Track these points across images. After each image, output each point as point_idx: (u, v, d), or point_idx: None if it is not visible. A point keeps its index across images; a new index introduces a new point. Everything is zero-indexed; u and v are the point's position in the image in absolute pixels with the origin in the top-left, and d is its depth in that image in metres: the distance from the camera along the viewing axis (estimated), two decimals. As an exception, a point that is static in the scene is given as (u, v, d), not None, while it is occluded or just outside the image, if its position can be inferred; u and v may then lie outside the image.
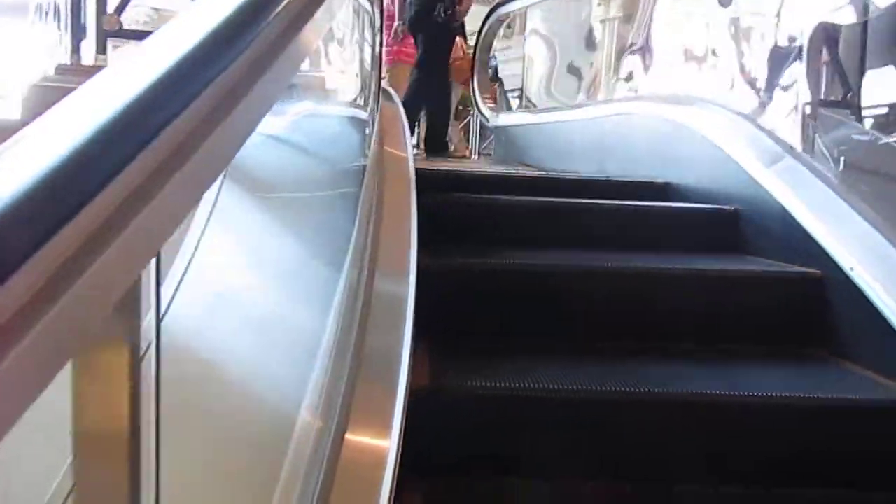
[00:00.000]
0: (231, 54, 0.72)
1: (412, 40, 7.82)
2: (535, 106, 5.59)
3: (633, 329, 2.08)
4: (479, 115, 6.43)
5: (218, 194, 1.02)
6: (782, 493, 1.67)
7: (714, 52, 3.17)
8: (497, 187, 3.02)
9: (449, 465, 1.66)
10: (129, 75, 0.61)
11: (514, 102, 5.97)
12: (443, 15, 6.06)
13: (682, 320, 2.10)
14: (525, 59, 5.75)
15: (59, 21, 5.10)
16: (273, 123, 1.00)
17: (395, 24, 6.59)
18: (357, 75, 1.90)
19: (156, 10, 6.68)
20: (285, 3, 0.87)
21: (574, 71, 5.00)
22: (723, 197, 2.64)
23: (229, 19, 0.74)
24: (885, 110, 2.24)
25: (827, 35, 2.46)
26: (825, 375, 1.93)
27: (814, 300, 2.08)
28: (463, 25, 6.33)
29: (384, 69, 7.83)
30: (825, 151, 2.33)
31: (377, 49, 2.48)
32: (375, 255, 1.69)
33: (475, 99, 6.26)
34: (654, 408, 1.74)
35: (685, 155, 2.99)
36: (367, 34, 2.08)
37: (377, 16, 2.22)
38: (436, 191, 2.38)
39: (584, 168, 3.82)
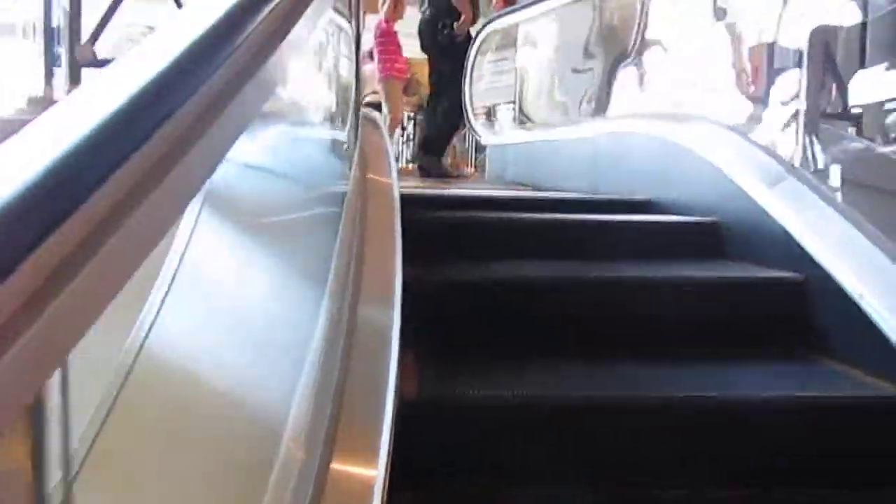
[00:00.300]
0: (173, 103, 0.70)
1: (403, 57, 8.01)
2: (530, 122, 5.67)
3: (622, 335, 2.19)
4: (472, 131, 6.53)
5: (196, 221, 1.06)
6: (778, 494, 1.76)
7: (710, 67, 3.25)
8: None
9: (435, 474, 1.73)
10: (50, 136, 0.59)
11: (509, 115, 6.05)
12: (443, 34, 6.23)
13: (672, 325, 2.22)
14: (517, 73, 5.83)
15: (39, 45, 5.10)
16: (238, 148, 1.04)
17: None
18: (333, 97, 1.96)
19: (151, 28, 6.69)
20: (250, 30, 0.92)
21: (568, 86, 5.08)
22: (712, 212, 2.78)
23: (176, 61, 0.74)
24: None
25: (824, 45, 2.52)
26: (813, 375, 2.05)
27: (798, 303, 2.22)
28: (468, 40, 6.47)
29: (378, 85, 7.98)
30: (823, 165, 2.41)
31: (355, 69, 2.54)
32: (359, 282, 1.73)
33: (468, 116, 6.35)
34: (644, 411, 1.85)
35: (680, 172, 3.09)
36: (344, 54, 2.13)
37: (354, 35, 2.28)
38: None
39: (584, 187, 3.90)
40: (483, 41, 6.17)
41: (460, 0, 6.17)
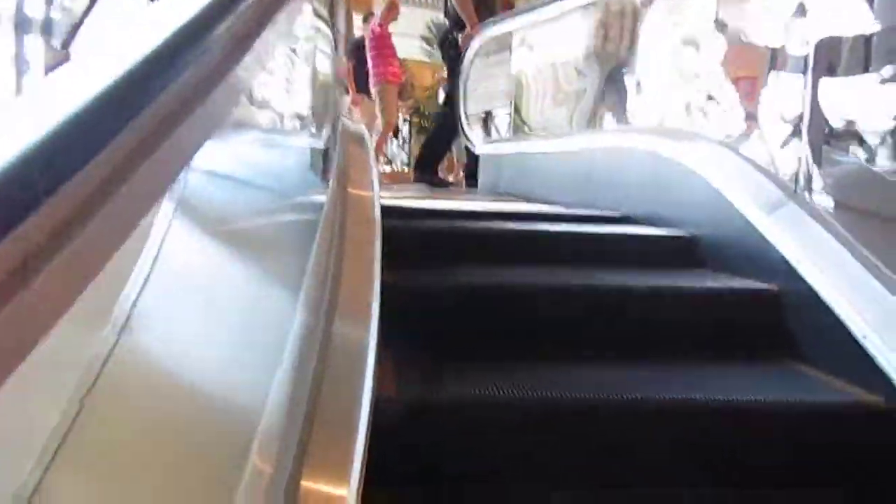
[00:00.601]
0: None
1: (397, 60, 8.13)
2: (525, 131, 5.71)
3: (604, 341, 2.30)
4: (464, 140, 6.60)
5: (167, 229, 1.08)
6: (751, 494, 1.88)
7: (710, 80, 3.29)
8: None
9: (413, 477, 1.78)
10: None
11: (504, 123, 6.11)
12: (453, 45, 6.39)
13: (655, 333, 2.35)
14: (512, 79, 5.88)
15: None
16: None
17: None
18: (308, 105, 1.97)
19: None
20: (221, 31, 0.95)
21: (563, 97, 5.12)
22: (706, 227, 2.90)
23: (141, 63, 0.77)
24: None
25: (830, 58, 2.56)
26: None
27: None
28: None
29: (373, 90, 8.03)
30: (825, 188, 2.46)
31: (334, 75, 2.57)
32: (336, 294, 1.75)
33: (461, 124, 6.41)
34: (626, 414, 1.92)
35: (677, 190, 3.16)
36: (320, 57, 2.15)
37: (332, 38, 2.30)
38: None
39: (578, 201, 3.95)
40: (479, 47, 6.22)
41: (466, 12, 6.25)
